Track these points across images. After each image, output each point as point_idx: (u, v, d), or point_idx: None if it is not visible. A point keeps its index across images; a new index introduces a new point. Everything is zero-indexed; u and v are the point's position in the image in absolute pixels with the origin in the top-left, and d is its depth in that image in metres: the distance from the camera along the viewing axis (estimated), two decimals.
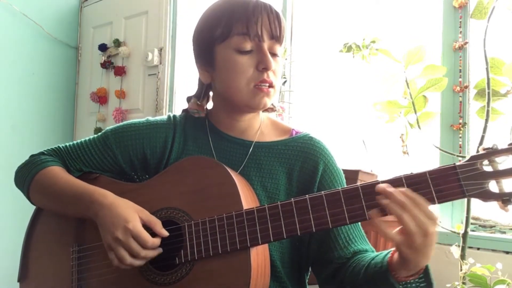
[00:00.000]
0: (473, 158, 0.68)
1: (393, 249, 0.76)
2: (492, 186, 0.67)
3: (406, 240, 0.67)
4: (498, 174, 0.67)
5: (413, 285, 0.73)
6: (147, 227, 0.83)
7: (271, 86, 0.87)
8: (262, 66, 0.85)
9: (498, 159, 0.67)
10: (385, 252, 0.79)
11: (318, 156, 0.93)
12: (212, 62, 0.90)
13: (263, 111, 1.00)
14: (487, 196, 0.67)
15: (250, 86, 0.86)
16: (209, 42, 0.89)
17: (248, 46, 0.85)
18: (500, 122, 1.35)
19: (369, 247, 0.91)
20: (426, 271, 0.72)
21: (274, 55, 0.87)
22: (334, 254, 0.88)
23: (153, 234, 0.83)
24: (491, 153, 0.67)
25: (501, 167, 0.67)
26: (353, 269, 0.84)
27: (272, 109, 1.00)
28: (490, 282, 1.25)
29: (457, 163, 0.69)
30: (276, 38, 0.87)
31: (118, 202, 0.85)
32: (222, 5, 0.89)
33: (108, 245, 0.81)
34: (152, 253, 0.81)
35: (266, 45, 0.86)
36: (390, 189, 0.68)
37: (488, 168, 0.67)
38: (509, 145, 0.67)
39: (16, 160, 1.05)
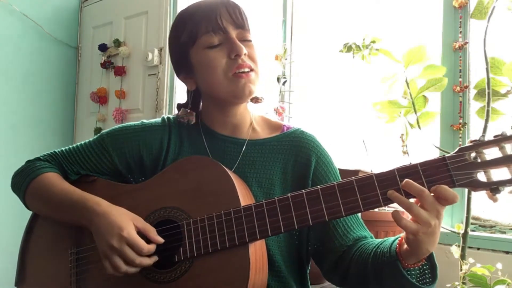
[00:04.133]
0: (461, 149, 0.71)
1: (399, 236, 0.78)
2: (481, 176, 0.70)
3: (422, 227, 0.69)
4: (486, 165, 0.69)
5: (417, 271, 0.76)
6: (142, 234, 0.83)
7: (251, 70, 0.89)
8: (234, 54, 0.87)
9: (485, 151, 0.70)
10: (391, 240, 0.80)
11: (310, 149, 0.95)
12: (191, 67, 0.93)
13: (253, 102, 1.00)
14: (476, 185, 0.69)
15: (228, 76, 0.88)
16: (182, 50, 0.92)
17: (215, 40, 0.88)
18: (500, 122, 1.35)
19: (368, 233, 0.93)
20: (430, 255, 0.75)
21: (245, 41, 0.90)
22: (334, 243, 0.90)
23: (148, 241, 0.83)
24: (479, 144, 0.70)
25: (488, 157, 0.69)
26: (358, 258, 0.85)
27: (258, 100, 1.00)
28: (490, 282, 1.25)
29: (447, 155, 0.71)
30: (241, 25, 0.90)
31: (112, 210, 0.85)
32: (183, 14, 0.94)
33: (103, 253, 0.82)
34: (146, 261, 0.82)
35: (233, 34, 0.89)
36: (398, 197, 0.72)
37: (476, 159, 0.70)
38: (494, 137, 0.70)
39: (15, 160, 1.05)
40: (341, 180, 0.78)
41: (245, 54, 0.88)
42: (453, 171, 0.70)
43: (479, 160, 0.70)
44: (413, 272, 0.75)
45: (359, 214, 0.94)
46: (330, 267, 0.91)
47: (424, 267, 0.76)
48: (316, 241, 0.93)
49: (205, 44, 0.88)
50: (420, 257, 0.74)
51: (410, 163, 0.73)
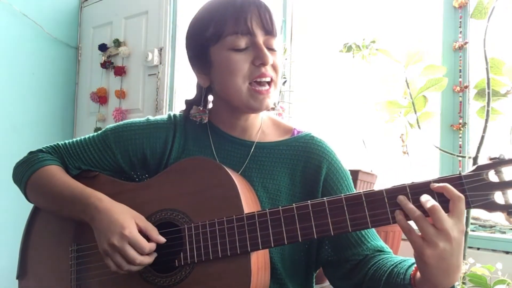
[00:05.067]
0: (479, 168, 0.67)
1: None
2: (498, 197, 0.65)
3: (428, 245, 0.64)
4: (504, 185, 0.65)
5: None
6: (143, 233, 0.82)
7: (271, 82, 0.86)
8: (259, 62, 0.83)
9: (504, 170, 0.65)
10: (409, 262, 0.77)
11: (321, 155, 0.92)
12: (208, 64, 0.89)
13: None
14: (492, 207, 0.65)
15: (246, 84, 0.84)
16: (203, 45, 0.88)
17: (242, 43, 0.84)
18: (500, 122, 1.36)
19: (383, 244, 0.90)
20: None
21: (271, 49, 0.86)
22: (349, 252, 0.87)
23: (149, 239, 0.82)
24: (498, 163, 0.66)
25: (507, 177, 0.65)
26: (373, 274, 0.82)
27: (272, 108, 0.99)
28: (490, 282, 1.25)
29: (463, 173, 0.67)
30: (270, 32, 0.85)
31: (115, 207, 0.84)
32: (210, 6, 0.88)
33: (104, 251, 0.81)
34: (148, 260, 0.81)
35: (261, 40, 0.84)
36: (407, 204, 0.67)
37: (494, 179, 0.66)
38: None
39: (16, 159, 1.05)
40: (349, 193, 0.75)
41: (270, 64, 0.85)
42: (469, 191, 0.66)
43: (497, 180, 0.65)
44: None
45: None
46: (343, 275, 0.89)
47: None
48: (329, 250, 0.90)
49: (229, 45, 0.84)
50: None
51: (413, 182, 0.69)
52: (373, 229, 0.91)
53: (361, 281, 0.84)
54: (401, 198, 0.68)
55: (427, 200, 0.66)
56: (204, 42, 0.87)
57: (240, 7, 0.83)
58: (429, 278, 0.66)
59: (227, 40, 0.84)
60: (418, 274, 0.69)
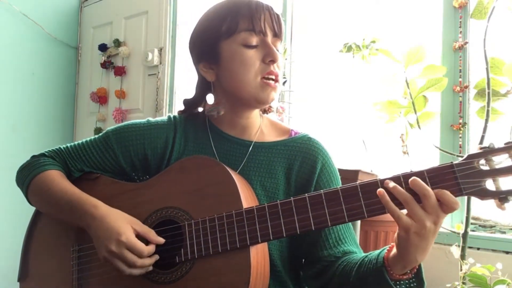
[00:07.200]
0: (470, 157, 0.69)
1: (389, 246, 0.76)
2: (489, 184, 0.68)
3: (416, 224, 0.67)
4: (495, 173, 0.67)
5: (404, 286, 0.75)
6: (141, 236, 0.83)
7: (276, 80, 0.90)
8: (269, 59, 0.88)
9: (494, 158, 0.68)
10: (379, 250, 0.79)
11: (317, 156, 0.95)
12: (217, 58, 0.91)
13: (262, 112, 1.02)
14: (484, 194, 0.67)
15: (257, 79, 0.88)
16: (214, 39, 0.90)
17: (254, 41, 0.88)
18: (500, 122, 1.36)
19: (359, 250, 0.92)
20: (418, 270, 0.74)
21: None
22: (323, 253, 0.89)
23: (147, 242, 0.83)
24: (488, 152, 0.68)
25: (497, 165, 0.67)
26: (343, 269, 0.84)
27: (270, 110, 1.02)
28: (490, 282, 1.25)
29: (455, 162, 0.69)
30: (277, 35, 0.91)
31: (110, 213, 0.85)
32: (225, 4, 0.92)
33: (104, 259, 0.82)
34: (149, 261, 0.82)
35: (270, 40, 0.90)
36: (396, 187, 0.70)
37: (485, 167, 0.68)
38: (505, 144, 0.67)
39: (16, 160, 1.05)
40: (345, 185, 0.76)
41: (277, 63, 0.90)
42: (461, 179, 0.68)
43: (488, 168, 0.67)
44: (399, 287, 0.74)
45: (353, 230, 0.95)
46: (313, 274, 0.91)
47: (411, 285, 0.74)
48: (306, 250, 0.92)
49: (242, 41, 0.88)
50: (407, 266, 0.72)
51: (411, 170, 0.71)
52: (353, 234, 0.94)
53: (329, 280, 0.87)
54: (391, 184, 0.70)
55: (422, 185, 0.68)
56: (217, 36, 0.90)
57: (255, 8, 0.89)
58: (406, 256, 0.70)
59: (240, 35, 0.88)
60: (392, 253, 0.73)
